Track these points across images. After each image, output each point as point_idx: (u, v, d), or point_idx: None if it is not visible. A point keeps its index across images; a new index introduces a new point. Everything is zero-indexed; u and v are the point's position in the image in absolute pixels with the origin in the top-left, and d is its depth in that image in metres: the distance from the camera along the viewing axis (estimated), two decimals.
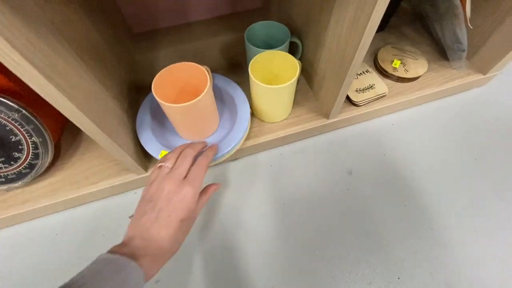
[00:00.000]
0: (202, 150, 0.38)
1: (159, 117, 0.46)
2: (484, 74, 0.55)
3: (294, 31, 0.53)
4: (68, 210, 0.46)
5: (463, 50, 0.49)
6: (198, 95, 0.36)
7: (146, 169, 0.44)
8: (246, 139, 0.47)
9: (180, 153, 0.35)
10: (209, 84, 0.37)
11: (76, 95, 0.28)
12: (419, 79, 0.54)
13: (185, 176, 0.32)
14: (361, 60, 0.36)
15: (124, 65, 0.49)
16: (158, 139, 0.43)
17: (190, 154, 0.34)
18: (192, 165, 0.34)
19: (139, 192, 0.47)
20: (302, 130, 0.49)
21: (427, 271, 0.39)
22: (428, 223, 0.43)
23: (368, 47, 0.34)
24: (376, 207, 0.45)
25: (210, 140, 0.44)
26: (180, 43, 0.62)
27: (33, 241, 0.44)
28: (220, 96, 0.49)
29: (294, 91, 0.47)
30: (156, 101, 0.36)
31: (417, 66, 0.53)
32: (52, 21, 0.29)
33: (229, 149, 0.42)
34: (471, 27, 0.43)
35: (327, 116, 0.49)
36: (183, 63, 0.39)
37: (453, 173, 0.48)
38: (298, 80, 0.55)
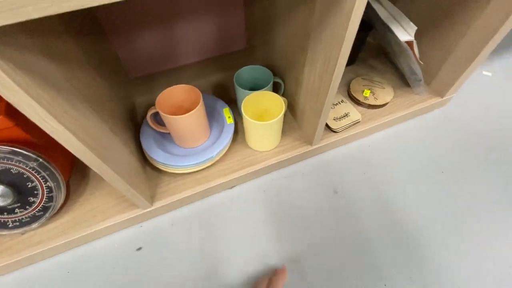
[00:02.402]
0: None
1: (158, 136, 0.53)
2: (442, 97, 0.64)
3: (276, 71, 0.61)
4: (78, 248, 0.49)
5: (420, 80, 0.58)
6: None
7: (151, 203, 0.49)
8: (240, 168, 0.53)
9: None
10: (201, 99, 0.45)
11: (96, 146, 0.33)
12: (387, 105, 0.62)
13: None
14: (333, 96, 0.43)
15: (126, 109, 0.55)
16: (161, 148, 0.50)
17: (279, 284, 0.39)
18: None
19: (145, 225, 0.51)
20: (290, 156, 0.55)
21: (407, 276, 0.44)
22: (405, 231, 0.49)
23: (337, 86, 0.42)
24: (360, 220, 0.50)
25: (202, 147, 0.53)
26: (176, 84, 0.68)
27: (46, 280, 0.46)
28: (210, 112, 0.56)
29: (281, 124, 0.53)
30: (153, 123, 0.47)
31: (384, 94, 0.61)
32: (73, 86, 0.35)
33: (218, 151, 0.49)
34: (422, 63, 0.51)
35: (310, 143, 0.55)
36: (179, 85, 0.48)
37: (424, 184, 0.54)
38: (284, 113, 0.62)
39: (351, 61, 0.70)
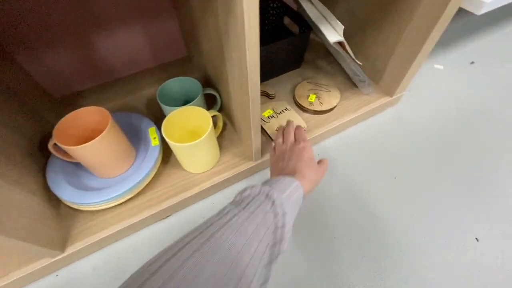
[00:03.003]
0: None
1: (72, 167, 0.46)
2: (391, 96, 0.60)
3: (212, 82, 0.55)
4: None
5: (364, 81, 0.54)
6: None
7: (63, 249, 0.41)
8: (173, 195, 0.46)
9: (283, 132, 0.47)
10: (110, 121, 0.38)
11: None
12: (334, 109, 0.58)
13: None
14: (258, 108, 0.38)
15: (33, 137, 0.47)
16: (71, 183, 0.43)
17: (290, 130, 0.46)
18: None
19: (61, 273, 0.43)
20: (230, 175, 0.50)
21: (374, 273, 0.40)
22: (361, 229, 0.44)
23: (258, 96, 0.36)
24: (311, 235, 0.45)
25: (124, 175, 0.46)
26: (106, 100, 0.61)
27: None
28: (135, 133, 0.49)
29: (214, 142, 0.47)
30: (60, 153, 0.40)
31: (330, 97, 0.57)
32: None
33: (138, 180, 0.43)
34: (361, 63, 0.47)
35: (252, 158, 0.50)
36: (84, 108, 0.41)
37: (377, 186, 0.50)
38: (226, 126, 0.56)
39: (298, 64, 0.66)
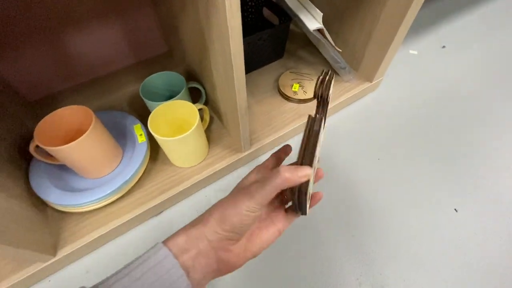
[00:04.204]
0: None
1: (55, 170, 0.44)
2: (371, 82, 0.63)
3: (196, 76, 0.55)
4: None
5: (344, 68, 0.56)
6: None
7: (54, 253, 0.40)
8: (164, 191, 0.46)
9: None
10: (93, 120, 0.38)
11: None
12: None
13: None
14: (244, 97, 0.39)
15: (11, 142, 0.45)
16: (57, 185, 0.42)
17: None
18: None
19: (54, 278, 0.42)
20: (220, 168, 0.50)
21: (355, 280, 0.42)
22: (348, 209, 0.46)
23: (244, 85, 0.37)
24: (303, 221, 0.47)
25: (112, 174, 0.45)
26: (87, 101, 0.59)
27: None
28: (121, 131, 0.49)
29: (202, 135, 0.47)
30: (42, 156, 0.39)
31: (313, 86, 0.59)
32: None
33: (127, 178, 0.43)
34: (340, 50, 0.49)
35: (240, 150, 0.51)
36: (65, 107, 0.40)
37: (363, 170, 0.53)
38: (213, 120, 0.56)
39: (279, 54, 0.67)
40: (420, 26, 0.84)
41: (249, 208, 0.22)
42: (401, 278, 0.42)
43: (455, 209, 0.48)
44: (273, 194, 0.22)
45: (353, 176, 0.52)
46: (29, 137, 0.49)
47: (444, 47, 0.78)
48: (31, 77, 0.56)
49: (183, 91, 0.47)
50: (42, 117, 0.39)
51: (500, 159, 0.54)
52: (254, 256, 0.25)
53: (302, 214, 0.27)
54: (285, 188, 0.23)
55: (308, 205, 0.26)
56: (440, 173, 0.53)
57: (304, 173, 0.22)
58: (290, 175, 0.22)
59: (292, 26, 0.75)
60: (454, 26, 0.85)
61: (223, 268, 0.24)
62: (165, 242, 0.23)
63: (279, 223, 0.27)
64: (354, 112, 0.63)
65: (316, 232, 0.46)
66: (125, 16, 0.58)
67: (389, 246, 0.45)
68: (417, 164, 0.54)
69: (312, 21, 0.41)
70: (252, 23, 0.70)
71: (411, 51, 0.77)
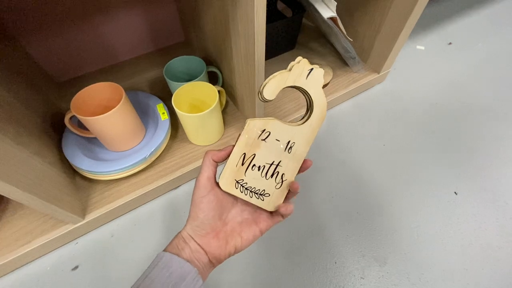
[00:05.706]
0: None
1: (84, 142, 0.48)
2: (379, 73, 0.66)
3: (213, 62, 0.58)
4: (2, 278, 0.43)
5: (354, 58, 0.59)
6: None
7: (83, 216, 0.44)
8: (182, 166, 0.50)
9: None
10: (124, 95, 0.41)
11: None
12: (328, 86, 0.62)
13: None
14: (262, 79, 0.42)
15: (46, 116, 0.49)
16: (87, 155, 0.45)
17: None
18: None
19: (81, 240, 0.46)
20: None
21: (359, 252, 0.45)
22: (354, 191, 0.50)
23: (263, 67, 0.40)
24: (311, 200, 0.50)
25: (135, 148, 0.49)
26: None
27: None
28: (144, 110, 0.52)
29: (219, 115, 0.51)
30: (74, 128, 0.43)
31: (324, 75, 0.62)
32: None
33: (151, 151, 0.46)
34: (351, 40, 0.52)
35: None
36: (98, 83, 0.43)
37: (368, 151, 0.56)
38: (227, 103, 0.60)
39: (292, 46, 0.70)
40: (428, 23, 0.86)
41: (198, 194, 0.26)
42: (401, 251, 0.45)
43: (455, 192, 0.51)
44: (209, 169, 0.27)
45: (359, 160, 0.55)
46: (58, 114, 0.53)
47: (450, 43, 0.81)
48: (59, 60, 0.60)
49: (202, 74, 0.51)
50: (69, 97, 0.42)
51: (502, 152, 0.57)
52: (237, 251, 0.28)
53: None
54: (216, 165, 0.27)
55: None
56: (443, 160, 0.56)
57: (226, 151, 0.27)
58: (214, 151, 0.28)
59: (304, 20, 0.78)
60: (461, 24, 0.87)
61: (213, 260, 0.27)
62: (164, 250, 0.26)
63: (262, 223, 0.28)
64: (362, 100, 0.66)
65: (329, 204, 0.49)
66: (150, 6, 0.62)
67: (392, 221, 0.48)
68: (420, 151, 0.57)
69: (327, 10, 0.45)
70: (267, 16, 0.74)
71: (418, 47, 0.80)
